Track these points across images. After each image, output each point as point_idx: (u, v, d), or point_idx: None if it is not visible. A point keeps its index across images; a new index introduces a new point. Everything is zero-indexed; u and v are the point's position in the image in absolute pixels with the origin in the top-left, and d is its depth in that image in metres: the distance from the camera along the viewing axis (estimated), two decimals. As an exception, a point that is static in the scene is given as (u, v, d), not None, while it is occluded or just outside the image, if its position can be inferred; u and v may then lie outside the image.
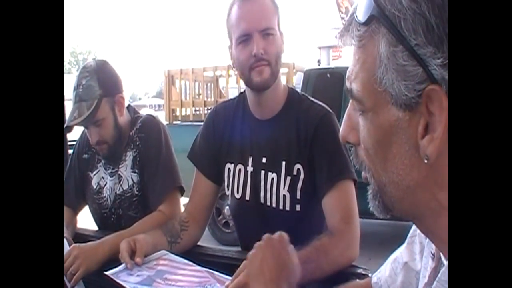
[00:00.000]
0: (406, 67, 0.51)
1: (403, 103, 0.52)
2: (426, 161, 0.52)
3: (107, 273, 1.20)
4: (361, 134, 0.59)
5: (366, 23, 0.54)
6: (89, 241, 1.43)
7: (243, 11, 1.34)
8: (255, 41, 1.31)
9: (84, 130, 1.84)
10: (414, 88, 0.51)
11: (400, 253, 0.90)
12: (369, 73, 0.55)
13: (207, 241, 4.22)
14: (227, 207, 4.71)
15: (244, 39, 1.33)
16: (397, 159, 0.55)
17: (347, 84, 0.59)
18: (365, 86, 0.56)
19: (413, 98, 0.51)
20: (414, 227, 0.85)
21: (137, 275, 1.20)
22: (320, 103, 1.43)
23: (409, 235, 0.87)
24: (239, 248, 1.58)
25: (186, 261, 1.27)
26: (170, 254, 1.32)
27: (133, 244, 1.27)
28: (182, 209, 1.63)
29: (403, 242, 0.91)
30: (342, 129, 0.63)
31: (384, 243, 4.65)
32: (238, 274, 1.11)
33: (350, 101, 0.60)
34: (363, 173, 0.62)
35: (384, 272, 0.94)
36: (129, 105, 1.78)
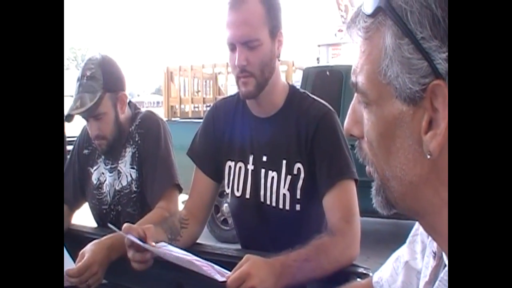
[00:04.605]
0: (411, 60, 0.50)
1: (407, 97, 0.52)
2: (428, 156, 0.52)
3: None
4: (365, 127, 0.59)
5: (372, 15, 0.54)
6: (88, 238, 1.42)
7: (229, 19, 1.32)
8: (237, 53, 1.31)
9: (84, 126, 1.83)
10: (418, 82, 0.50)
11: (401, 252, 0.89)
12: (374, 65, 0.54)
13: (205, 239, 4.20)
14: (226, 205, 4.71)
15: (231, 47, 1.34)
16: (400, 153, 0.55)
17: (353, 78, 0.58)
18: (370, 78, 0.55)
19: (417, 92, 0.51)
20: (416, 226, 0.84)
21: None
22: (322, 101, 1.42)
23: (411, 234, 0.86)
24: (238, 246, 1.57)
25: (186, 252, 1.26)
26: (169, 245, 1.31)
27: (142, 232, 1.23)
28: (180, 206, 1.62)
29: (401, 241, 0.90)
30: (346, 122, 0.62)
31: (382, 242, 4.65)
32: (240, 265, 1.11)
33: (355, 94, 0.60)
34: (367, 168, 0.61)
35: (385, 271, 0.93)
36: (129, 102, 1.77)
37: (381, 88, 0.54)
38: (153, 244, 1.20)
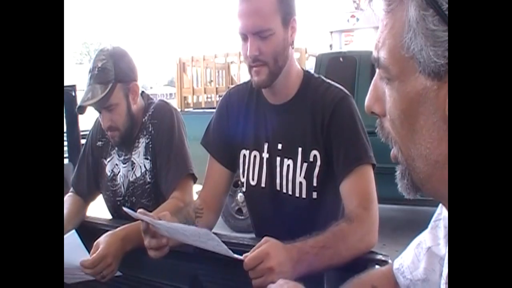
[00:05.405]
0: (436, 32, 0.48)
1: (431, 71, 0.49)
2: None
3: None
4: (387, 104, 0.56)
5: None
6: (103, 230, 1.42)
7: (240, 9, 1.30)
8: (249, 43, 1.29)
9: (97, 118, 1.82)
10: (443, 55, 0.48)
11: (423, 238, 0.87)
12: (397, 38, 0.52)
13: (219, 228, 4.22)
14: (241, 194, 4.71)
15: (243, 37, 1.32)
16: (425, 131, 0.52)
17: (374, 53, 0.56)
18: (392, 53, 0.53)
19: (442, 66, 0.48)
20: (438, 210, 0.82)
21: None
22: (338, 85, 1.39)
23: (433, 219, 0.84)
24: (252, 235, 1.56)
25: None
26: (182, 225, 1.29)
27: (157, 219, 1.21)
28: (195, 196, 1.61)
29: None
30: (367, 99, 0.60)
31: (398, 229, 4.63)
32: (259, 246, 1.09)
33: (377, 70, 0.57)
34: (391, 152, 0.59)
35: (406, 258, 0.91)
36: (142, 92, 1.77)
37: (403, 62, 0.52)
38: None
